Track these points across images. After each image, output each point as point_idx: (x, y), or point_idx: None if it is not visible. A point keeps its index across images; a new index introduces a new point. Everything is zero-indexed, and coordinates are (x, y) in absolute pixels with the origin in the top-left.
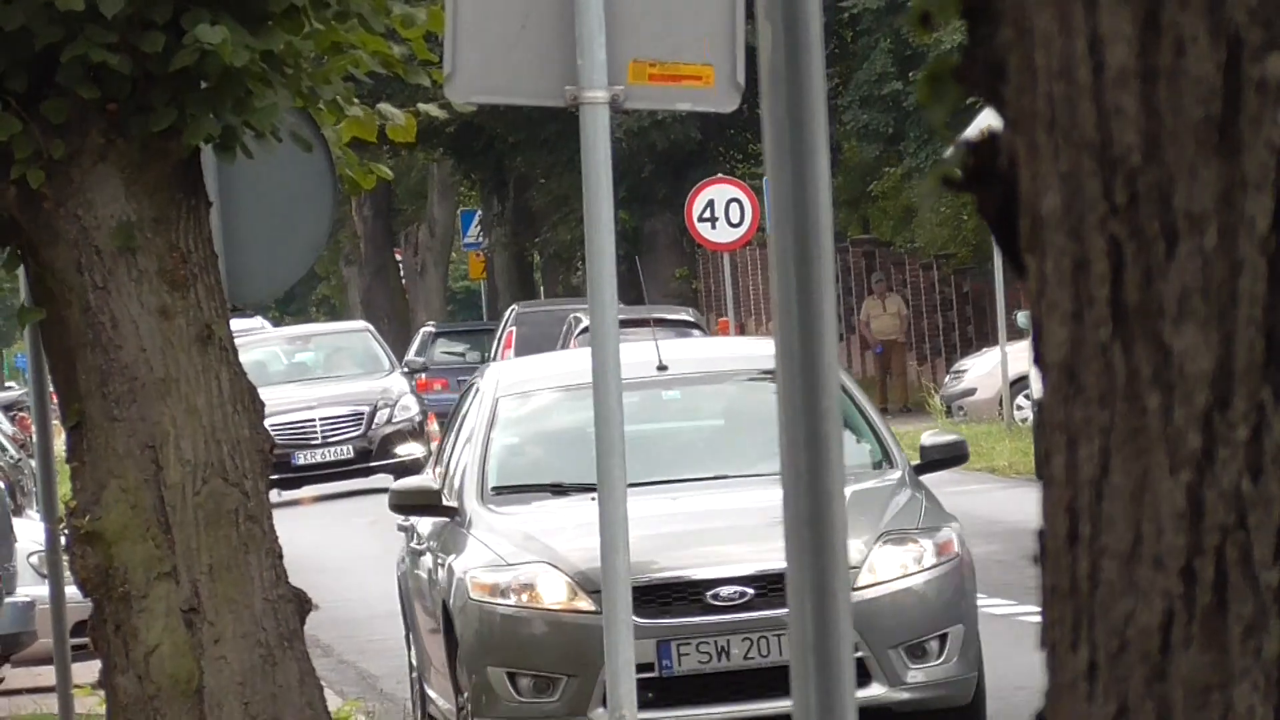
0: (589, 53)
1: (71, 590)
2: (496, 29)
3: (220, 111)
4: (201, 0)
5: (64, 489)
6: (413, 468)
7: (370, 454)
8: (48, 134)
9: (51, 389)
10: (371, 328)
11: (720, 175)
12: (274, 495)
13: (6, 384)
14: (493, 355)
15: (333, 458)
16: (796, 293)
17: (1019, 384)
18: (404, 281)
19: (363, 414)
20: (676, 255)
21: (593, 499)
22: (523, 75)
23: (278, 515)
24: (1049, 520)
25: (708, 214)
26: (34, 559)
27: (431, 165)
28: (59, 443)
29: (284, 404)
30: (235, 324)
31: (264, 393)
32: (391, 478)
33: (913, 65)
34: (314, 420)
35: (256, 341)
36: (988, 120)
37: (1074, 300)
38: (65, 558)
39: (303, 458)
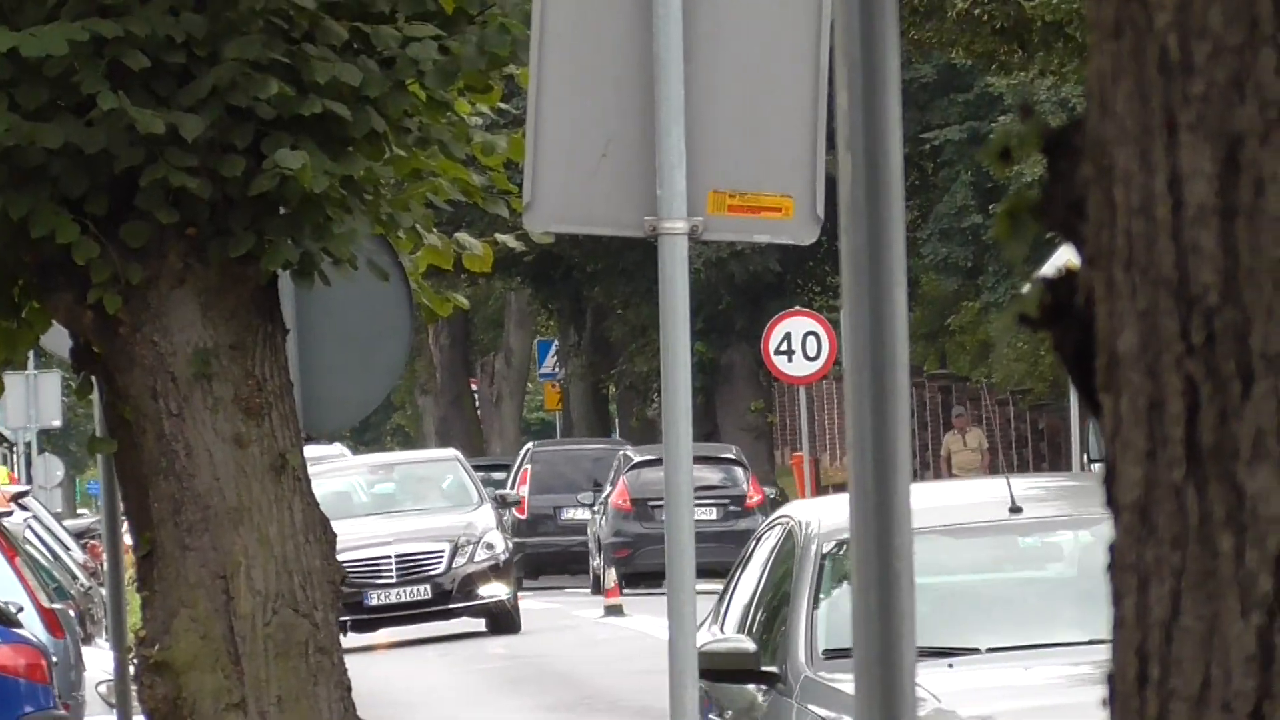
0: (669, 183)
1: None
2: (577, 158)
3: (299, 237)
4: (282, 125)
5: (134, 618)
6: (496, 610)
7: (449, 595)
8: (125, 258)
9: (123, 516)
10: (461, 456)
11: (798, 307)
12: (345, 638)
13: (78, 511)
14: (511, 487)
15: (408, 598)
16: (871, 427)
17: None
18: (479, 411)
19: (443, 551)
20: (752, 388)
21: (950, 664)
22: (602, 205)
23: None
24: (1118, 662)
25: (785, 346)
26: (102, 688)
27: (509, 294)
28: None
29: (358, 539)
30: (314, 450)
31: (341, 526)
32: (483, 622)
33: (993, 198)
34: (389, 557)
35: (337, 470)
36: (1065, 257)
37: (1148, 440)
38: (134, 687)
39: (376, 598)
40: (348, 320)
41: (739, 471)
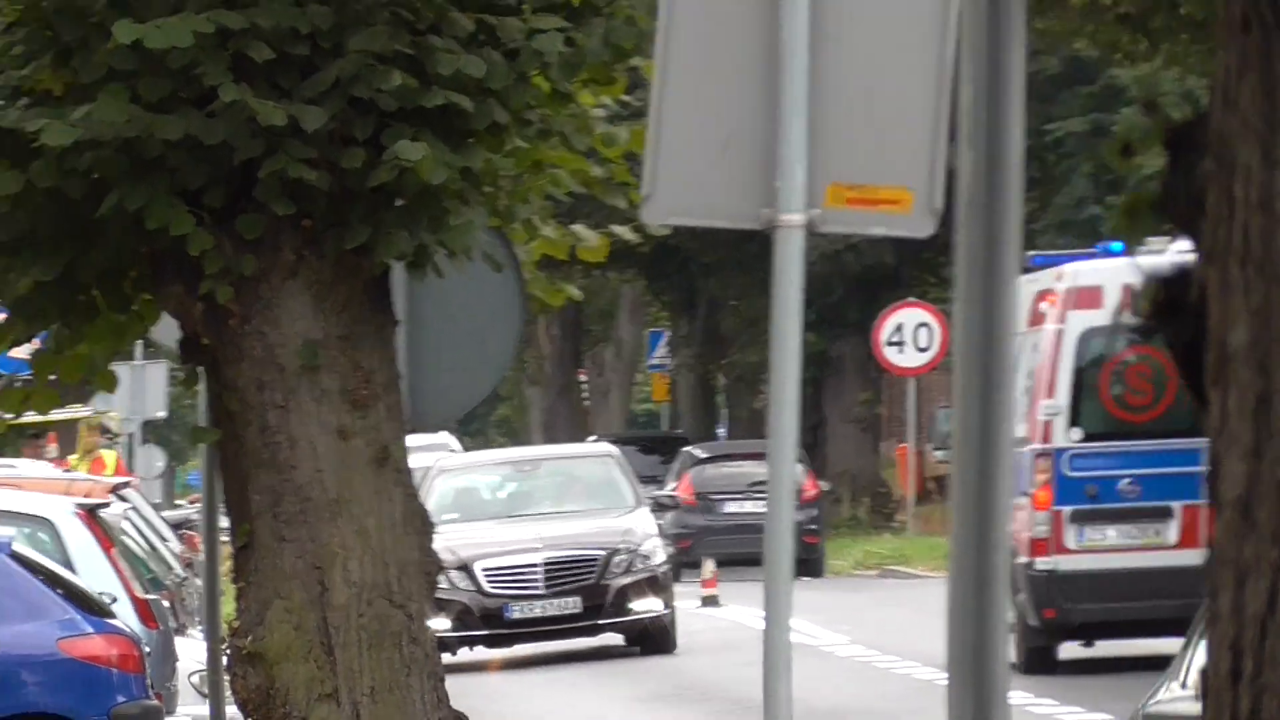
0: (789, 175)
1: (232, 711)
2: (697, 150)
3: (415, 229)
4: (403, 116)
5: (228, 608)
6: (652, 628)
7: (601, 609)
8: (239, 249)
9: (222, 508)
10: (617, 453)
11: (911, 299)
12: (464, 652)
13: (177, 501)
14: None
15: (556, 611)
16: (978, 423)
17: None
18: (586, 403)
19: (596, 560)
20: (861, 379)
21: None
22: (720, 197)
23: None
24: (1213, 657)
25: (896, 337)
26: (195, 678)
27: (623, 286)
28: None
29: (500, 543)
30: (421, 439)
31: (480, 529)
32: (623, 638)
33: (1113, 191)
34: (536, 565)
35: (472, 466)
36: (1179, 253)
37: (1255, 436)
38: (227, 678)
39: (519, 610)
40: (459, 311)
41: (795, 467)
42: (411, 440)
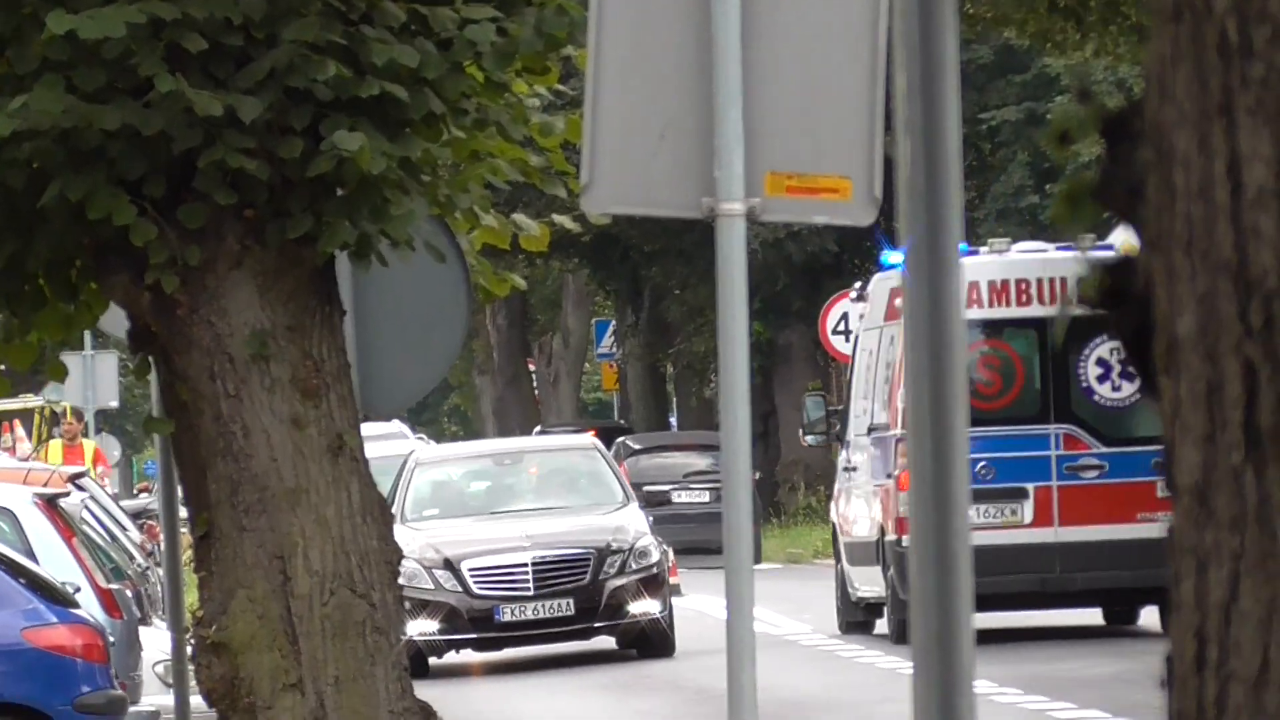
0: (727, 164)
1: (197, 700)
2: (635, 140)
3: (356, 219)
4: (340, 106)
5: (191, 598)
6: (649, 631)
7: (595, 611)
8: (183, 239)
9: (181, 497)
10: (600, 445)
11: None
12: (450, 655)
13: (135, 491)
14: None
15: (547, 614)
16: (930, 408)
17: None
18: (536, 392)
19: (588, 559)
20: (810, 368)
21: None
22: (659, 186)
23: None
24: (1176, 644)
25: (842, 326)
26: (159, 668)
27: (566, 275)
28: (187, 552)
29: (486, 542)
30: (374, 428)
31: (464, 526)
32: (614, 641)
33: (1051, 179)
34: (524, 565)
35: (449, 458)
36: (1123, 239)
37: (1207, 423)
38: (191, 667)
39: (509, 613)
40: (405, 301)
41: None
42: (365, 429)
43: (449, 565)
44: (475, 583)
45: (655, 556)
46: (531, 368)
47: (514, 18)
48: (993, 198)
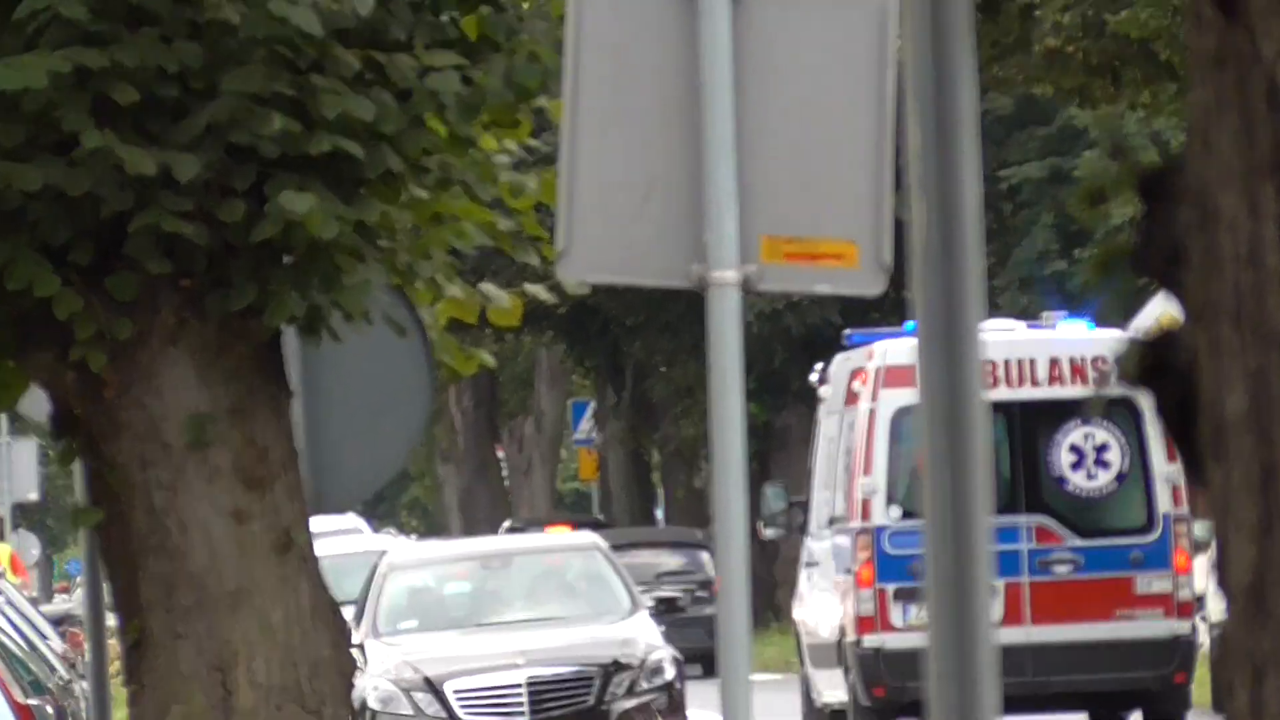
0: (718, 227)
1: None
2: (616, 201)
3: (306, 289)
4: (287, 165)
5: (119, 715)
6: None
7: None
8: (112, 312)
9: (108, 600)
10: (602, 544)
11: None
12: None
13: (56, 594)
14: None
15: None
16: (949, 499)
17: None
18: (506, 483)
19: (591, 678)
20: (810, 452)
21: None
22: (644, 252)
23: None
24: None
25: None
26: None
27: (540, 350)
28: (115, 662)
29: (472, 660)
30: (326, 523)
31: (441, 641)
32: None
33: (1079, 243)
34: (518, 686)
35: (427, 561)
36: (1164, 309)
37: (1263, 514)
38: None
39: None
40: (360, 381)
41: (703, 556)
42: (316, 524)
43: (430, 687)
44: (462, 707)
45: (670, 673)
46: (501, 455)
47: (481, 65)
48: (1014, 264)
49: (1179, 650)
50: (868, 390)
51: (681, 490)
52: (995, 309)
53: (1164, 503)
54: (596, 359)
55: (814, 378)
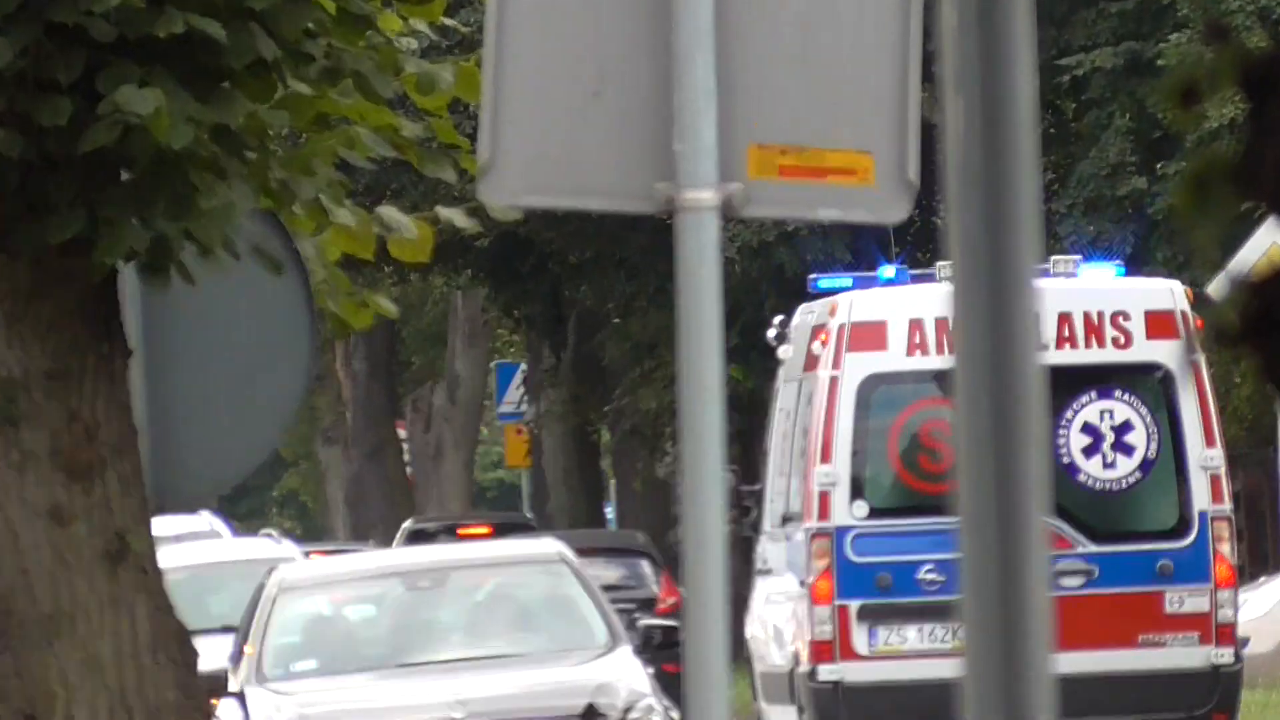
0: (692, 134)
1: None
2: (557, 99)
3: (150, 215)
4: (127, 50)
5: None
6: None
7: None
8: None
9: None
10: (571, 556)
11: None
12: None
13: None
14: None
15: None
16: (995, 494)
17: None
18: (409, 470)
19: None
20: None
21: None
22: (593, 167)
23: None
24: None
25: None
26: None
27: (455, 296)
28: None
29: (394, 714)
30: (173, 526)
31: (349, 688)
32: None
33: (1164, 154)
34: None
35: (331, 579)
36: (1275, 242)
37: None
38: None
39: None
40: (219, 336)
41: (645, 566)
42: (159, 527)
43: None
44: None
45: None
46: (402, 434)
47: None
48: (1079, 182)
49: (1219, 684)
50: (828, 353)
51: (639, 481)
52: (1053, 241)
53: (1201, 498)
54: (529, 308)
55: (771, 334)
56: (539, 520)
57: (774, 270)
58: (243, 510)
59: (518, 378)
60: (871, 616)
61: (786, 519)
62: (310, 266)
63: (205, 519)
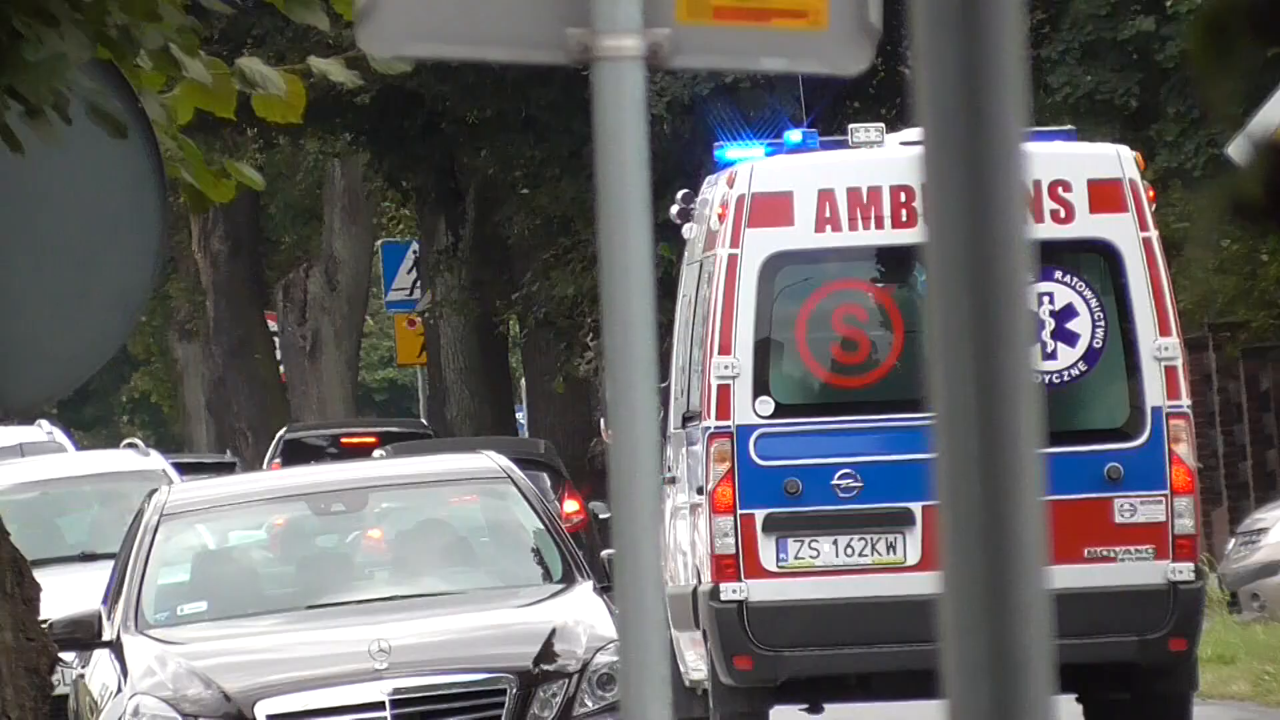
0: None
1: None
2: None
3: None
4: None
5: None
6: None
7: None
8: None
9: None
10: (515, 471)
11: None
12: None
13: None
14: None
15: None
16: (973, 401)
17: None
18: (281, 368)
19: (500, 691)
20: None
21: None
22: (493, 9)
23: None
24: None
25: None
26: None
27: (332, 164)
28: None
29: (304, 664)
30: (8, 435)
31: (248, 635)
32: None
33: None
34: (379, 706)
35: (223, 501)
36: None
37: None
38: None
39: None
40: (53, 213)
41: (546, 480)
42: None
43: (232, 710)
44: None
45: None
46: (273, 326)
47: None
48: (1073, 23)
49: (1177, 604)
50: (726, 229)
51: (557, 378)
52: (1043, 94)
53: (1154, 393)
54: (419, 177)
55: (674, 210)
56: (438, 427)
57: (708, 129)
58: (87, 418)
59: (408, 260)
60: (779, 527)
61: (687, 419)
62: (159, 129)
63: (43, 429)
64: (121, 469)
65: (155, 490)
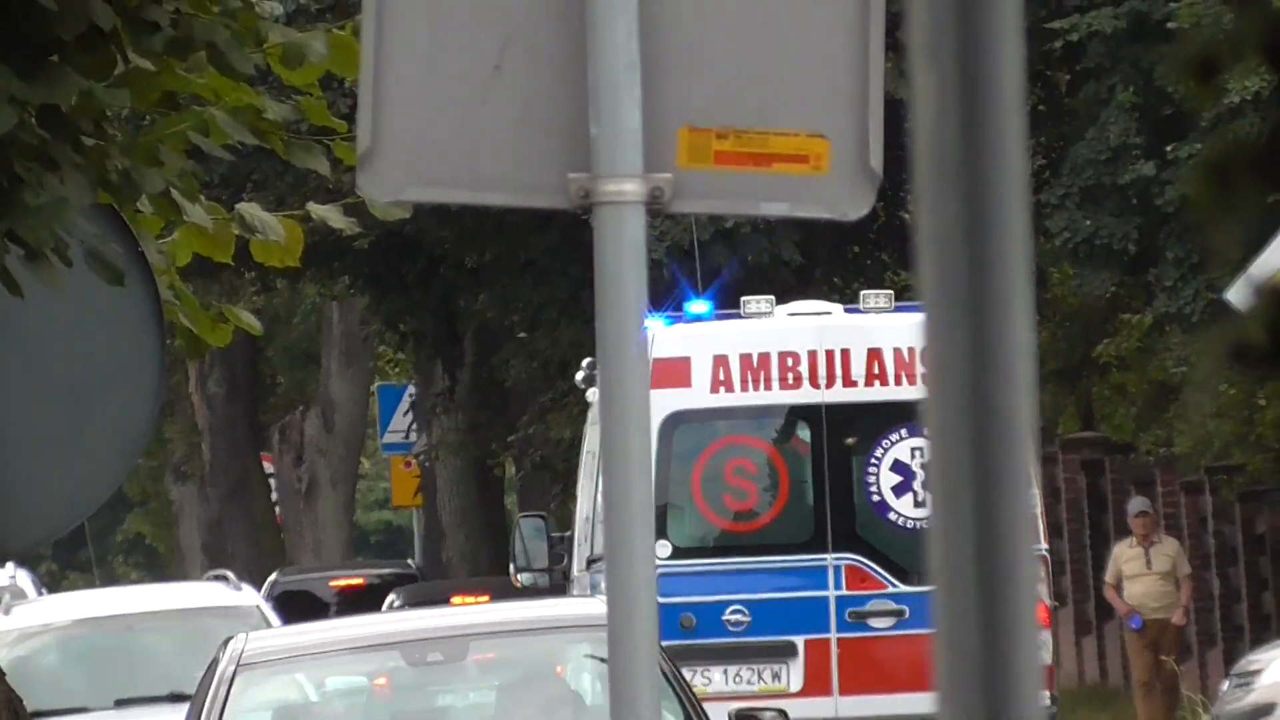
0: (611, 115)
1: None
2: (450, 74)
3: None
4: None
5: None
6: None
7: None
8: None
9: None
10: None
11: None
12: None
13: None
14: None
15: None
16: (974, 526)
17: None
18: (277, 510)
19: None
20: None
21: None
22: (493, 155)
23: None
24: None
25: None
26: None
27: (330, 308)
28: None
29: None
30: None
31: None
32: None
33: (1174, 135)
34: None
35: (300, 650)
36: None
37: None
38: None
39: None
40: (52, 355)
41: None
42: None
43: None
44: None
45: None
46: (269, 468)
47: None
48: (1074, 168)
49: None
50: None
51: (554, 521)
52: (1043, 239)
53: None
54: (417, 321)
55: (580, 376)
56: (433, 569)
57: (709, 272)
58: (80, 560)
59: (405, 402)
60: (676, 658)
61: (592, 562)
62: (157, 274)
63: (6, 571)
64: (208, 604)
65: (231, 638)
